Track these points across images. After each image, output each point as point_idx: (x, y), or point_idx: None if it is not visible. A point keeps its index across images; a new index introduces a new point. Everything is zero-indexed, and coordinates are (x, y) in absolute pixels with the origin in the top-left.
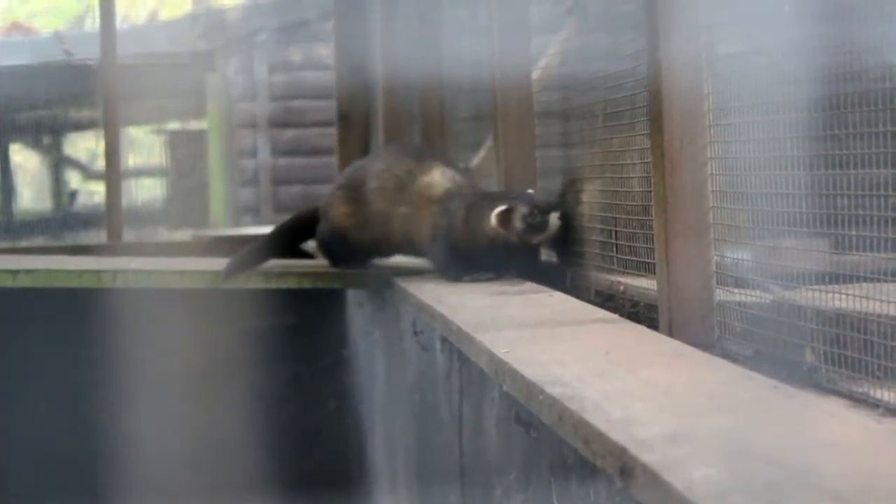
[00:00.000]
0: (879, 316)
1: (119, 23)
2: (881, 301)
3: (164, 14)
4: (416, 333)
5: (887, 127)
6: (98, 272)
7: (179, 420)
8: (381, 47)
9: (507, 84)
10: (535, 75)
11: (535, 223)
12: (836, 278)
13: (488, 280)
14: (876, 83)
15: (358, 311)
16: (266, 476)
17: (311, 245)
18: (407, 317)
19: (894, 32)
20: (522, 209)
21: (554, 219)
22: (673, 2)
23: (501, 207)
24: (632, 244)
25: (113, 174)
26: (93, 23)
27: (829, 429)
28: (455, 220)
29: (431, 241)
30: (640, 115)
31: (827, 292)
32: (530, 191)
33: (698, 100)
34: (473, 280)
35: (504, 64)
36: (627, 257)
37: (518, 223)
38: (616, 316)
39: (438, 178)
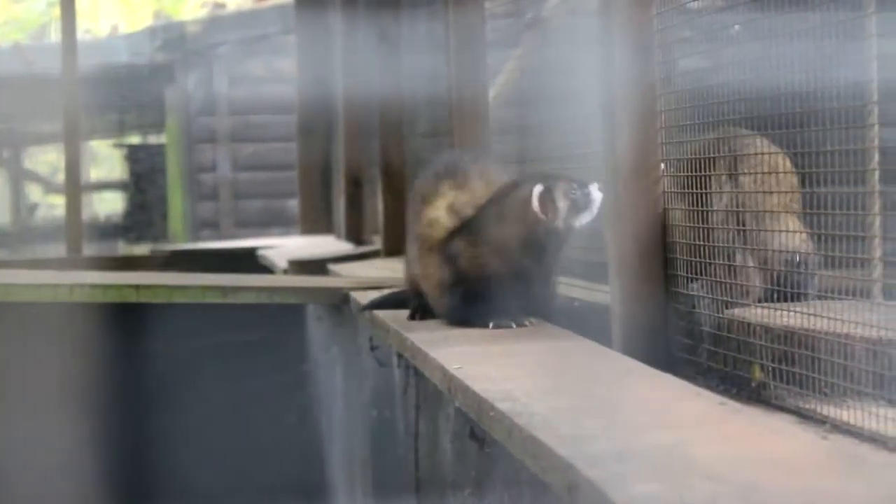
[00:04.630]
0: (827, 333)
1: (80, 35)
2: (828, 318)
3: (125, 27)
4: (372, 349)
5: (835, 146)
6: (55, 286)
7: (139, 432)
8: (342, 62)
9: (464, 100)
10: (493, 91)
11: (579, 197)
12: (784, 296)
13: (518, 325)
14: (825, 102)
15: (318, 326)
16: (227, 489)
17: (273, 262)
18: (364, 332)
19: (848, 50)
20: (562, 185)
21: (595, 190)
22: (627, 19)
23: (540, 187)
24: (587, 258)
25: (72, 188)
26: (55, 35)
27: (772, 445)
28: (461, 251)
29: (441, 292)
30: (594, 132)
31: (775, 310)
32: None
33: (651, 117)
34: (500, 327)
35: (460, 80)
36: (582, 271)
37: (561, 201)
38: (570, 332)
39: (444, 214)
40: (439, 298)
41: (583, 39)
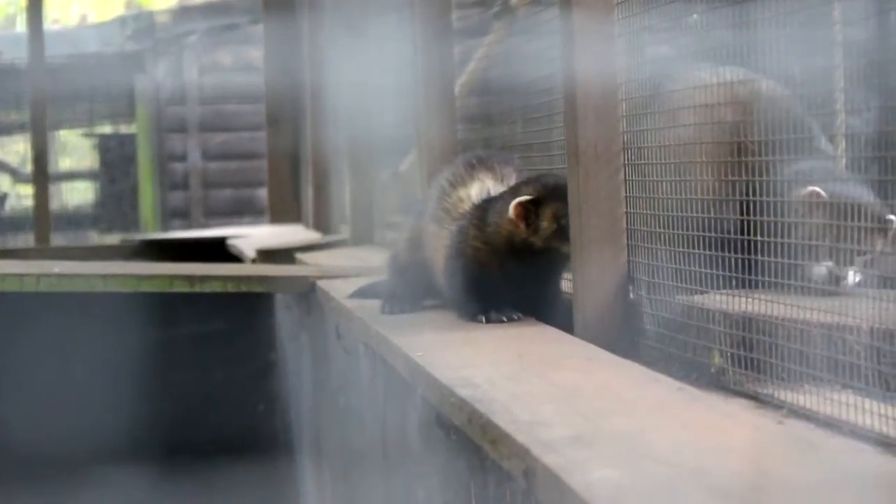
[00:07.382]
0: (784, 319)
1: (49, 25)
2: (786, 305)
3: (95, 17)
4: (339, 337)
5: (790, 134)
6: (21, 276)
7: (107, 424)
8: (309, 52)
9: (430, 89)
10: (461, 80)
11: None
12: (743, 282)
13: (510, 321)
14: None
15: (286, 314)
16: (197, 478)
17: (242, 251)
18: (331, 320)
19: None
20: (555, 204)
21: None
22: (589, 7)
23: (524, 197)
24: None
25: (41, 177)
26: (23, 24)
27: (727, 431)
28: (466, 230)
29: (444, 270)
30: (557, 121)
31: (734, 296)
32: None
33: (612, 106)
34: (491, 321)
35: (426, 69)
36: None
37: (546, 221)
38: (533, 319)
39: (476, 191)
40: (444, 279)
41: (547, 29)
